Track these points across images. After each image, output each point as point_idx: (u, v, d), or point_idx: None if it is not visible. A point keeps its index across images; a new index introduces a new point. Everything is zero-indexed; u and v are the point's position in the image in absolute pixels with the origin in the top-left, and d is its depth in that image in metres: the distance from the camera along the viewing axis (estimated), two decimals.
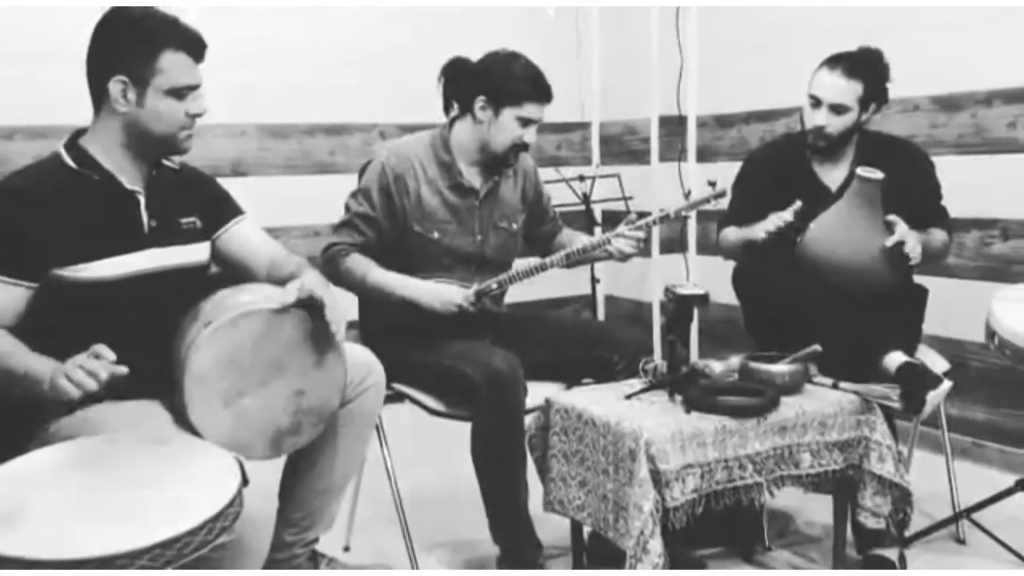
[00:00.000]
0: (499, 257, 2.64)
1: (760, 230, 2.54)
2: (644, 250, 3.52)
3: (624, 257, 2.54)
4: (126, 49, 1.88)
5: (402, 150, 2.56)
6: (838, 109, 2.56)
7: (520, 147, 2.53)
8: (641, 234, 2.52)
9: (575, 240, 2.70)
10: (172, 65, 1.89)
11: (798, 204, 2.51)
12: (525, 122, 2.48)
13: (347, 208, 2.54)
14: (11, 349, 1.80)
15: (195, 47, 1.93)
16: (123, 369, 1.69)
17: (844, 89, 2.54)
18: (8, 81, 3.35)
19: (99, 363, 1.68)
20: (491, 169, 2.60)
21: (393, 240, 2.54)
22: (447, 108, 2.60)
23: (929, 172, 2.68)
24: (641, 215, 2.53)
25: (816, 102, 2.59)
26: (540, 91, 2.49)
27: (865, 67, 2.57)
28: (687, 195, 2.56)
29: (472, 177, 2.58)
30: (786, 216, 2.50)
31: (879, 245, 2.47)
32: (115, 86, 1.88)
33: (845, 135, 2.61)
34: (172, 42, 1.89)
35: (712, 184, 2.53)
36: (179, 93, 1.91)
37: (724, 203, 2.68)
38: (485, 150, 2.54)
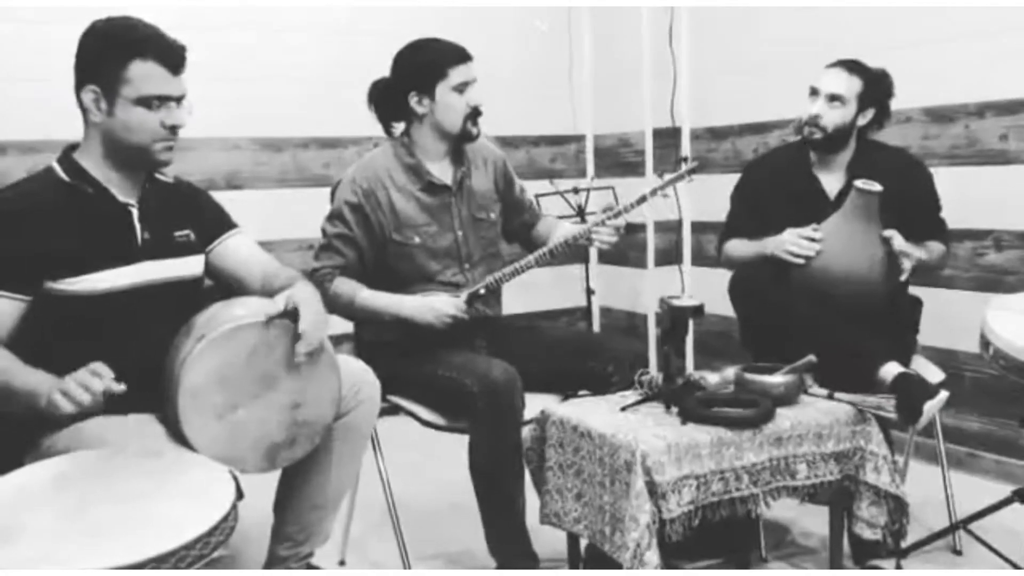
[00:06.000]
0: (482, 249, 2.64)
1: (783, 251, 2.54)
2: (640, 261, 3.50)
3: (609, 247, 2.58)
4: (96, 59, 1.88)
5: (367, 165, 2.56)
6: (835, 99, 2.59)
7: (474, 114, 2.52)
8: (620, 222, 2.55)
9: (555, 229, 2.71)
10: (141, 75, 1.87)
11: (815, 227, 2.54)
12: (462, 88, 2.49)
13: (324, 233, 2.54)
14: (7, 365, 1.79)
15: (169, 57, 1.90)
16: (120, 387, 1.69)
17: (843, 81, 2.60)
18: (1, 96, 3.35)
19: (95, 379, 1.67)
20: (458, 158, 2.60)
21: (374, 255, 2.53)
22: (388, 130, 2.62)
23: (927, 183, 2.70)
24: (608, 209, 2.56)
25: (814, 92, 2.63)
26: (456, 54, 2.50)
27: (867, 71, 2.63)
28: (661, 174, 2.53)
29: (442, 173, 2.58)
30: (815, 244, 2.51)
31: (875, 257, 2.48)
32: (87, 96, 1.88)
33: (840, 133, 2.62)
34: (141, 51, 1.86)
35: (684, 159, 2.55)
36: (148, 103, 1.88)
37: (715, 208, 2.68)
38: (445, 135, 2.54)
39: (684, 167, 2.56)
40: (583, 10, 4.53)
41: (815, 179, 2.69)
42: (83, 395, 1.67)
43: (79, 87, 1.89)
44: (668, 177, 2.60)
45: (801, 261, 2.53)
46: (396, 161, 2.56)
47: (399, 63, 2.54)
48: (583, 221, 3.98)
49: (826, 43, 3.48)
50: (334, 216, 2.53)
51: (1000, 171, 3.14)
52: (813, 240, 2.52)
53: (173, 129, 1.93)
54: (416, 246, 2.53)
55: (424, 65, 2.49)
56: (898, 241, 2.48)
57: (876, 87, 2.62)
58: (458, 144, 2.58)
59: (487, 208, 2.66)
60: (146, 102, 1.88)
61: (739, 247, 2.75)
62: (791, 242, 2.54)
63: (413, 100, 2.50)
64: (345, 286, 2.48)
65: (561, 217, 3.84)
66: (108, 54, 1.87)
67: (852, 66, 2.62)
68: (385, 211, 2.51)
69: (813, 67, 2.66)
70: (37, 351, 1.84)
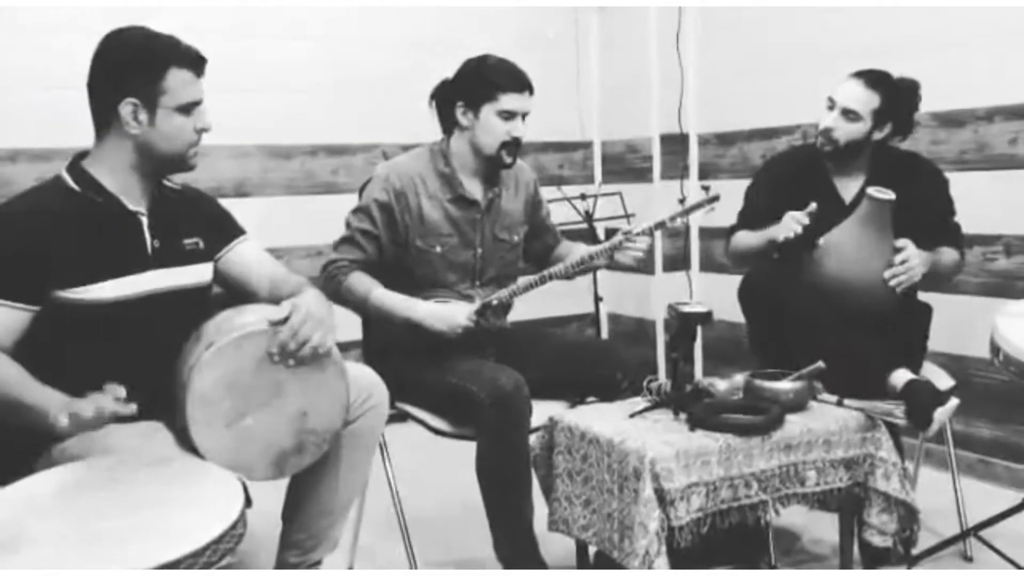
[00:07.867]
0: (500, 270, 2.64)
1: (780, 233, 2.53)
2: (647, 268, 3.50)
3: (635, 263, 2.56)
4: (133, 71, 1.89)
5: (402, 167, 2.56)
6: (849, 115, 2.56)
7: (511, 144, 2.51)
8: (649, 240, 2.53)
9: (573, 251, 2.70)
10: (178, 83, 1.91)
11: (813, 206, 2.51)
12: (507, 115, 2.47)
13: (347, 225, 2.54)
14: (18, 378, 1.79)
15: (196, 63, 1.95)
16: (131, 408, 1.72)
17: (860, 96, 2.55)
18: (11, 104, 3.37)
19: (105, 403, 1.71)
20: (491, 177, 2.60)
21: (394, 256, 2.54)
22: (446, 131, 2.61)
23: (942, 189, 2.68)
24: (627, 233, 2.54)
25: (831, 104, 2.60)
26: (513, 80, 2.48)
27: (889, 85, 2.57)
28: (682, 201, 2.52)
29: (473, 189, 2.58)
30: (802, 219, 2.50)
31: (887, 265, 2.47)
32: (126, 108, 1.88)
33: (853, 146, 2.60)
34: (175, 60, 1.91)
35: (706, 189, 2.53)
36: (186, 110, 1.93)
37: (722, 215, 2.66)
38: (479, 155, 2.54)
39: (706, 195, 2.52)
40: (590, 12, 4.53)
41: (831, 183, 2.67)
42: (89, 415, 1.69)
43: (114, 100, 1.88)
44: (688, 205, 2.59)
45: (794, 230, 2.49)
46: (430, 167, 2.56)
47: (461, 70, 2.54)
48: (591, 227, 3.99)
49: (835, 47, 3.49)
50: (361, 211, 2.53)
51: (1009, 176, 3.13)
52: (803, 224, 2.48)
53: (201, 133, 1.98)
54: (436, 255, 2.53)
55: (479, 81, 2.48)
56: (909, 251, 2.46)
57: (896, 102, 2.56)
58: (490, 167, 2.57)
59: (511, 230, 2.66)
60: (185, 109, 1.93)
61: (745, 237, 2.74)
62: (787, 226, 2.52)
63: (459, 111, 2.50)
64: (360, 281, 2.48)
65: (568, 223, 3.86)
66: (143, 65, 1.89)
67: (873, 80, 2.56)
68: (413, 215, 2.51)
69: (821, 72, 2.65)
70: (48, 360, 1.84)
